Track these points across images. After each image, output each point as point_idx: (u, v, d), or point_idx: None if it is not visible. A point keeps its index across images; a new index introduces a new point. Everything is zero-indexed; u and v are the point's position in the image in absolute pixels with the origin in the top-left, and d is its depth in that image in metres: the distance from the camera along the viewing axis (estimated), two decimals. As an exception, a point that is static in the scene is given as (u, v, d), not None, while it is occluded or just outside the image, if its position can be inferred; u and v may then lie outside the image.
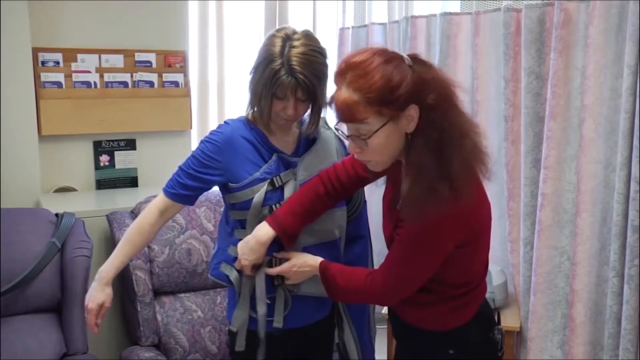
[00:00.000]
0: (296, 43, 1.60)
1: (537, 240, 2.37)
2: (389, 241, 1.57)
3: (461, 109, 1.42)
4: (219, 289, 2.47)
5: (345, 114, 1.40)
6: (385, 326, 2.73)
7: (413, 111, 1.36)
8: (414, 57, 1.41)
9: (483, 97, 2.63)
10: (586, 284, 2.28)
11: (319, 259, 1.62)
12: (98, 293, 1.72)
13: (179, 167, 1.74)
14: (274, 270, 1.67)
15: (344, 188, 1.68)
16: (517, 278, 2.54)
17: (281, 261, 1.68)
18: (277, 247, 1.69)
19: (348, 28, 3.21)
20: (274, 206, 1.68)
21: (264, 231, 1.64)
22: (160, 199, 1.75)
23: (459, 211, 1.38)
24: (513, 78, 2.46)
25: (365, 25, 3.14)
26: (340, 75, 1.41)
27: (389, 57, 1.37)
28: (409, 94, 1.35)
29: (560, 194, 2.34)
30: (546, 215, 2.35)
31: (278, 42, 1.61)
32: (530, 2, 2.38)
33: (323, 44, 1.68)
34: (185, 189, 1.72)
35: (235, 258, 1.72)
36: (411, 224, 1.42)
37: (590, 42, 2.20)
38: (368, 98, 1.36)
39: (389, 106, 1.36)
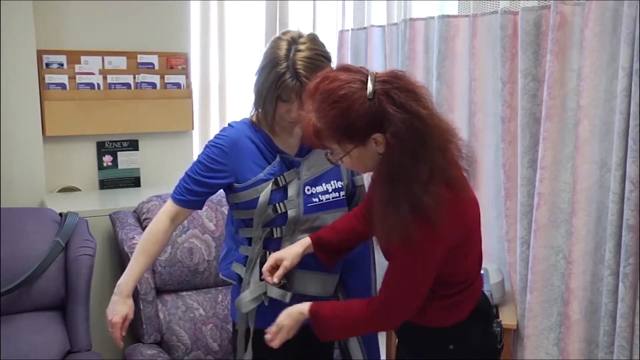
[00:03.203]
0: (302, 47, 1.62)
1: (534, 239, 2.39)
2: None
3: (429, 134, 1.36)
4: (220, 287, 2.50)
5: (311, 139, 1.41)
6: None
7: (379, 137, 1.36)
8: (388, 79, 1.37)
9: (480, 99, 2.65)
10: (582, 282, 2.30)
11: (306, 309, 1.56)
12: (120, 306, 1.73)
13: (186, 173, 1.75)
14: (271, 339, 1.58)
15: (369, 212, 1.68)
16: (514, 276, 2.56)
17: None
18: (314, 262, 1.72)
19: (347, 30, 3.23)
20: (277, 205, 1.71)
21: (302, 240, 1.69)
22: (169, 206, 1.76)
23: (439, 229, 1.38)
24: (510, 80, 2.48)
25: (365, 28, 3.16)
26: (309, 97, 1.40)
27: (349, 91, 1.34)
28: (366, 127, 1.35)
29: (556, 194, 2.36)
30: (542, 214, 2.37)
31: (284, 46, 1.63)
32: (527, 5, 2.41)
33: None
34: (193, 194, 1.73)
35: (246, 257, 1.75)
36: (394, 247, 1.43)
37: (586, 44, 2.22)
38: (329, 130, 1.37)
39: (350, 139, 1.37)
